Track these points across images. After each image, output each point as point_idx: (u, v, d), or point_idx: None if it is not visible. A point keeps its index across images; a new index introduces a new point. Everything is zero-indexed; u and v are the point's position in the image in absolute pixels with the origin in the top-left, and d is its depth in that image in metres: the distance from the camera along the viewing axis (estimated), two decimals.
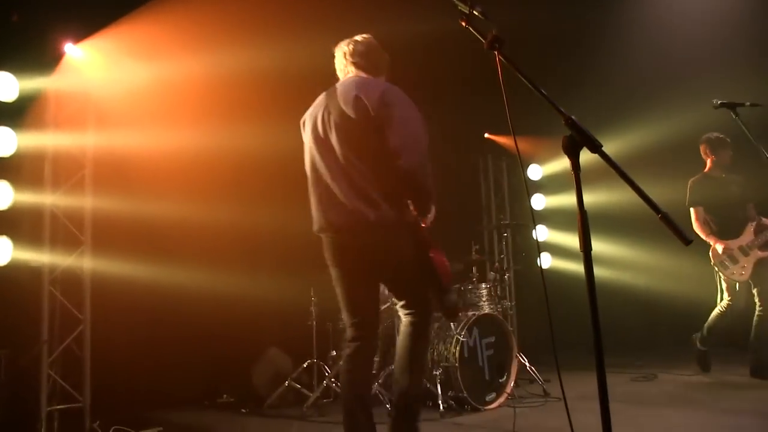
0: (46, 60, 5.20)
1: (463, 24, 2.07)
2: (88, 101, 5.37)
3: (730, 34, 6.74)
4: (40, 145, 5.13)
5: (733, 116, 4.47)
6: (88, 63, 5.31)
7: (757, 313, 5.77)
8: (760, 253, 5.76)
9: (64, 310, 5.18)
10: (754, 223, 5.85)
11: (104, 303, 5.34)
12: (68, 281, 5.23)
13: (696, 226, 5.97)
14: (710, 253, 5.90)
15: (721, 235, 5.85)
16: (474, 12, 2.05)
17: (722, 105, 4.45)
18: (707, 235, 5.90)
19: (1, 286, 4.79)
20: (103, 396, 5.18)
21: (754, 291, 5.79)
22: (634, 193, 1.64)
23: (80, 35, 5.25)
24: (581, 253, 1.65)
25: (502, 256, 7.86)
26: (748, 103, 4.51)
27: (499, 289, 6.27)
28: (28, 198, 5.01)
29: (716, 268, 5.89)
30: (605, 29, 6.88)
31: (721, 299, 5.95)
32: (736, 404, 4.78)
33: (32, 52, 5.13)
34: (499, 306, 6.01)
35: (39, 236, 5.05)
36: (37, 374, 4.86)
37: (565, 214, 8.19)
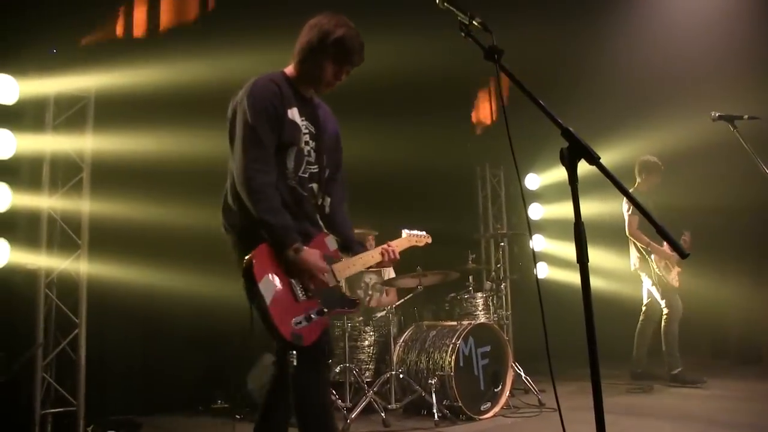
0: (46, 62, 5.20)
1: (463, 34, 2.08)
2: (87, 104, 5.38)
3: (728, 47, 6.79)
4: (39, 148, 5.14)
5: (732, 129, 4.52)
6: (87, 65, 5.31)
7: (663, 321, 6.31)
8: (678, 267, 6.34)
9: (60, 313, 5.17)
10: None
11: (100, 307, 5.33)
12: (64, 284, 5.22)
13: (634, 233, 6.38)
14: (652, 259, 6.23)
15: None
16: (473, 22, 2.06)
17: (720, 118, 4.51)
18: (648, 241, 6.28)
19: None
20: (98, 400, 5.17)
21: (662, 301, 6.30)
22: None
23: (80, 37, 5.26)
24: (578, 264, 1.65)
25: (498, 265, 7.87)
26: (746, 117, 4.56)
27: (495, 298, 6.27)
28: (26, 201, 5.01)
29: (659, 273, 6.26)
30: (604, 42, 6.92)
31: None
32: (733, 417, 4.77)
33: (32, 54, 5.14)
34: (495, 315, 6.01)
35: (36, 239, 5.05)
36: (31, 377, 4.84)
37: (563, 224, 8.20)
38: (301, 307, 2.56)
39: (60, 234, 5.26)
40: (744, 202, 6.51)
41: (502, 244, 7.63)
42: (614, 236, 7.72)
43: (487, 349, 5.35)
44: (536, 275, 2.69)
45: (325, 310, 2.65)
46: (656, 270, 6.25)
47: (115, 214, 5.32)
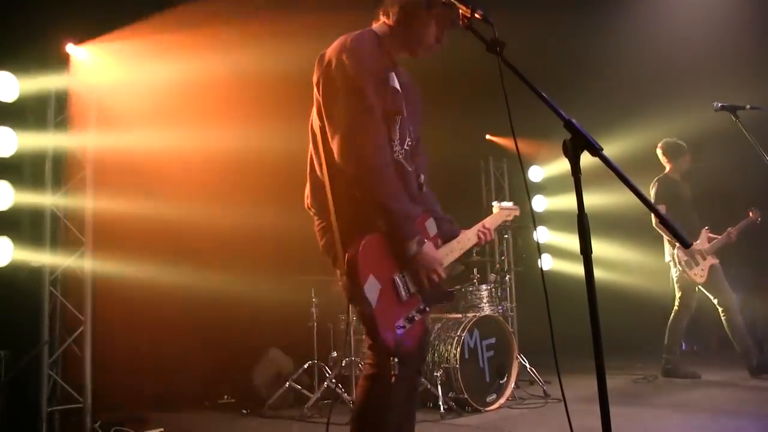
0: (47, 60, 5.20)
1: (464, 26, 2.08)
2: (90, 101, 5.37)
3: (730, 37, 6.76)
4: (41, 146, 5.14)
5: (734, 119, 4.50)
6: (90, 63, 5.31)
7: (723, 319, 5.98)
8: (712, 260, 6.09)
9: (65, 310, 5.18)
10: (707, 230, 6.08)
11: (105, 303, 5.34)
12: (69, 282, 5.23)
13: (659, 224, 6.07)
14: (675, 253, 6.06)
15: None
16: (475, 15, 2.05)
17: (722, 108, 4.49)
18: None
19: (1, 286, 4.78)
20: (104, 396, 5.18)
21: (715, 301, 6.04)
22: (633, 195, 1.65)
23: (82, 35, 5.25)
24: (581, 256, 1.65)
25: (503, 257, 7.86)
26: (748, 106, 4.54)
27: (499, 290, 6.28)
28: (29, 198, 5.01)
29: (680, 268, 6.10)
30: (606, 33, 6.88)
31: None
32: (737, 406, 4.78)
33: (33, 51, 5.13)
34: (499, 307, 6.01)
35: (40, 237, 5.05)
36: (37, 375, 4.86)
37: (566, 216, 8.18)
38: (404, 307, 2.32)
39: (64, 231, 5.27)
40: (748, 192, 6.46)
41: (506, 236, 7.61)
42: (619, 227, 7.73)
43: (492, 341, 5.35)
44: (541, 267, 2.68)
45: (427, 307, 2.42)
46: (677, 263, 6.14)
47: (118, 211, 5.32)
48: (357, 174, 2.23)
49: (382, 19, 2.46)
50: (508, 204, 3.18)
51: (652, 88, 7.44)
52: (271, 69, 5.31)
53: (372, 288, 2.22)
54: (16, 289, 5.02)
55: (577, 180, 1.67)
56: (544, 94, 1.78)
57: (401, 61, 2.56)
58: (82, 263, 5.22)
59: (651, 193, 6.28)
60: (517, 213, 3.20)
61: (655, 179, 6.31)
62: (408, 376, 2.40)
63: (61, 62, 5.22)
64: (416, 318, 2.35)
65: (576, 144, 1.67)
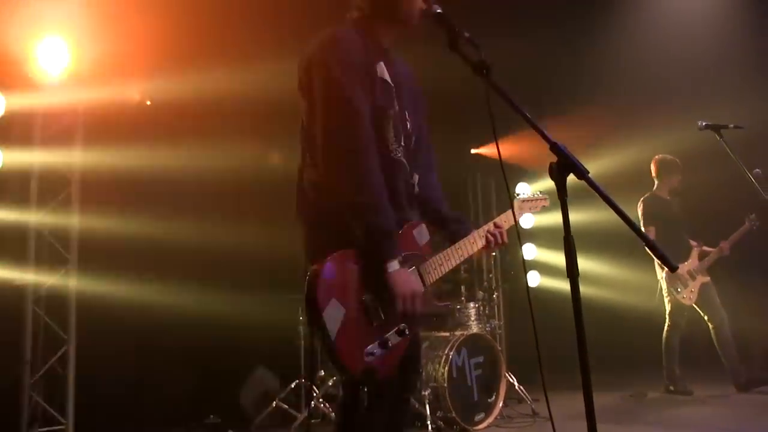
0: (34, 76, 5.17)
1: (451, 48, 2.06)
2: (76, 118, 5.34)
3: (715, 56, 6.84)
4: (27, 162, 5.10)
5: (718, 138, 4.56)
6: (76, 79, 5.29)
7: (713, 335, 5.99)
8: (702, 278, 6.04)
9: (48, 329, 5.11)
10: (698, 249, 6.06)
11: (89, 323, 5.26)
12: (53, 300, 5.16)
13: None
14: (663, 276, 6.04)
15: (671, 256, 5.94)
16: (462, 36, 2.05)
17: (707, 127, 4.56)
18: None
19: None
20: (87, 418, 5.10)
21: (705, 316, 6.00)
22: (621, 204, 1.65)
23: (69, 51, 5.23)
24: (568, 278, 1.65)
25: (490, 275, 7.86)
26: (731, 125, 4.62)
27: (487, 308, 6.25)
28: (14, 216, 4.97)
29: (667, 290, 6.08)
30: (591, 51, 6.94)
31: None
32: (726, 422, 4.78)
33: (19, 67, 5.10)
34: (487, 325, 5.99)
35: (24, 255, 5.00)
36: (18, 396, 4.78)
37: (554, 232, 8.19)
38: (377, 331, 2.06)
39: (48, 249, 5.21)
40: (733, 209, 6.47)
41: (494, 253, 7.62)
42: (610, 242, 7.74)
43: (480, 359, 5.33)
44: (527, 285, 2.59)
45: (408, 330, 2.14)
46: (664, 285, 6.13)
47: (104, 229, 5.28)
48: (336, 178, 2.05)
49: (355, 14, 2.28)
50: (531, 195, 2.81)
51: (638, 106, 7.50)
52: (260, 88, 5.31)
53: (333, 314, 1.98)
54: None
55: (563, 202, 1.67)
56: (530, 117, 1.79)
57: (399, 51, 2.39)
58: (67, 282, 5.16)
59: (638, 214, 6.26)
60: (546, 204, 2.84)
61: (642, 199, 6.30)
62: (388, 406, 2.19)
63: (48, 79, 5.18)
64: (393, 343, 2.08)
65: (562, 167, 1.67)
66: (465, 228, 2.44)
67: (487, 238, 2.44)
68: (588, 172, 1.64)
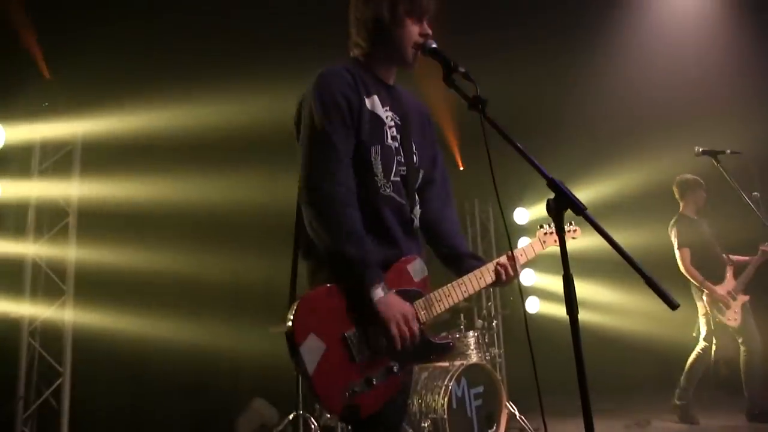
0: (33, 108, 5.20)
1: (446, 83, 2.07)
2: (74, 150, 5.36)
3: (708, 83, 6.87)
4: (25, 194, 5.10)
5: (715, 163, 4.57)
6: (74, 111, 5.31)
7: (742, 356, 5.78)
8: (743, 297, 5.82)
9: (43, 362, 5.06)
10: (731, 268, 5.90)
11: (85, 355, 5.22)
12: (49, 332, 5.13)
13: (688, 269, 5.86)
14: (704, 298, 5.87)
15: (704, 277, 5.83)
16: (457, 71, 2.06)
17: (704, 153, 4.56)
18: (702, 280, 5.80)
19: None
20: None
21: (740, 339, 5.76)
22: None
23: (67, 84, 5.27)
24: (568, 317, 1.62)
25: (489, 303, 7.82)
26: (728, 151, 4.62)
27: (487, 336, 6.20)
28: (11, 247, 4.95)
29: (711, 313, 5.81)
30: (585, 78, 6.98)
31: (700, 342, 5.93)
32: None
33: (20, 99, 5.13)
34: (487, 354, 5.94)
35: (20, 286, 4.97)
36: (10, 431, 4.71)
37: (554, 258, 8.16)
38: (360, 368, 1.99)
39: (45, 280, 5.19)
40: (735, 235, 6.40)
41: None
42: (607, 268, 7.70)
43: (480, 389, 5.27)
44: (525, 312, 2.49)
45: (397, 368, 2.07)
46: (707, 308, 5.95)
47: (101, 261, 5.27)
48: (311, 215, 2.05)
49: (356, 51, 2.31)
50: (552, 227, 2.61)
51: (636, 131, 7.53)
52: (255, 121, 5.34)
53: (311, 349, 1.93)
54: None
55: (561, 239, 1.66)
56: (526, 153, 1.78)
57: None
58: (63, 313, 5.12)
59: (671, 236, 6.04)
60: (576, 236, 2.75)
61: (671, 223, 6.15)
62: None
63: (47, 110, 5.21)
64: (378, 382, 2.01)
65: (559, 203, 1.66)
66: (480, 265, 2.34)
67: (497, 270, 2.33)
68: (585, 208, 1.63)
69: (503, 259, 2.36)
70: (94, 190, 5.34)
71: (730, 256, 5.96)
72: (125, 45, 5.02)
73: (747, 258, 5.90)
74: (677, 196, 6.18)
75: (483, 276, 2.31)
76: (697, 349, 5.95)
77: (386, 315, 1.98)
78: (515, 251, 2.44)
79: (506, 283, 2.36)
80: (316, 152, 2.08)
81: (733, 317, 5.74)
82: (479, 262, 2.36)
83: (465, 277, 2.28)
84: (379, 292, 1.98)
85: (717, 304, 5.77)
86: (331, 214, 2.01)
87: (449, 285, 2.25)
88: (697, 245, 5.92)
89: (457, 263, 2.36)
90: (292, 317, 1.96)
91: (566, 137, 7.28)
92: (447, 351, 2.21)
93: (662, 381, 6.21)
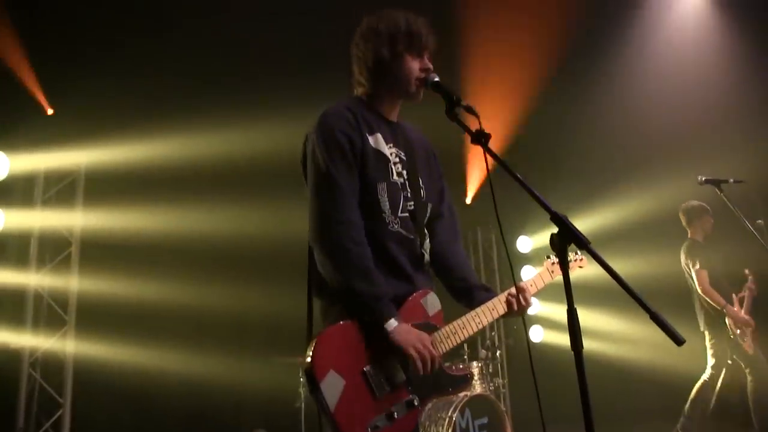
0: (36, 138, 5.23)
1: (449, 117, 2.07)
2: (77, 180, 5.38)
3: (711, 112, 6.89)
4: (27, 223, 5.11)
5: (718, 192, 4.55)
6: (77, 142, 5.34)
7: (750, 385, 5.67)
8: (752, 323, 5.68)
9: (43, 393, 5.02)
10: (737, 295, 5.80)
11: (86, 386, 5.19)
12: (50, 363, 5.11)
13: (707, 291, 5.67)
14: (727, 323, 5.62)
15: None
16: (460, 105, 2.06)
17: (707, 182, 4.53)
18: (724, 303, 5.61)
19: None
20: None
21: (747, 370, 5.59)
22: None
23: (69, 115, 5.31)
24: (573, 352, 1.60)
25: (493, 333, 7.76)
26: (731, 180, 4.59)
27: (491, 366, 6.14)
28: (12, 278, 4.95)
29: (733, 338, 5.61)
30: (587, 106, 7.01)
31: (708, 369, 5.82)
32: None
33: (22, 130, 5.17)
34: (491, 384, 5.88)
35: (21, 317, 4.96)
36: None
37: (556, 287, 8.11)
38: (381, 403, 1.98)
39: (47, 310, 5.17)
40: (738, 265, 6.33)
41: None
42: (610, 296, 7.65)
43: (485, 421, 5.20)
44: (528, 340, 2.45)
45: (418, 400, 2.06)
46: (731, 333, 5.82)
47: (103, 291, 5.25)
48: (321, 255, 2.08)
49: (359, 89, 2.34)
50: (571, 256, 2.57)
51: (636, 162, 7.52)
52: (261, 151, 5.36)
53: (332, 385, 1.94)
54: None
55: (565, 274, 1.65)
56: (530, 187, 1.78)
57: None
58: (64, 344, 5.10)
59: (685, 260, 5.87)
60: (583, 264, 2.71)
61: (684, 246, 6.07)
62: None
63: (51, 140, 5.24)
64: (399, 416, 1.99)
65: (563, 238, 1.65)
66: (491, 296, 2.34)
67: (508, 300, 2.34)
68: (589, 243, 1.62)
69: (514, 289, 2.35)
70: (97, 220, 5.34)
71: (746, 287, 5.87)
72: (127, 75, 5.07)
73: (746, 293, 5.81)
74: (684, 223, 6.10)
75: (495, 307, 2.32)
76: (704, 377, 5.84)
77: (404, 342, 1.98)
78: (525, 282, 2.47)
79: (518, 313, 2.35)
80: (323, 193, 2.11)
81: (750, 344, 5.62)
82: (490, 293, 2.36)
83: (478, 309, 2.28)
84: (393, 323, 1.99)
85: (739, 328, 5.63)
86: (340, 254, 2.04)
87: (463, 317, 2.25)
88: (709, 270, 5.84)
89: (469, 296, 2.35)
90: (311, 354, 1.95)
91: (568, 166, 7.29)
92: (465, 382, 2.21)
93: (668, 411, 6.11)
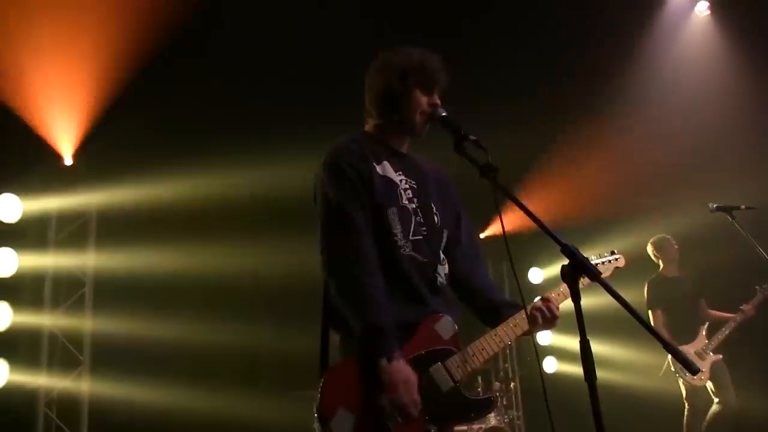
0: (49, 181, 5.31)
1: (457, 151, 2.08)
2: (89, 221, 5.44)
3: (721, 138, 6.86)
4: (41, 265, 5.16)
5: (730, 219, 4.55)
6: (89, 183, 5.42)
7: (713, 407, 5.65)
8: (713, 357, 5.69)
9: None
10: (705, 326, 5.80)
11: (102, 426, 5.17)
12: (65, 403, 5.11)
13: (656, 331, 5.76)
14: (669, 360, 5.78)
15: (676, 337, 5.70)
16: (468, 139, 2.08)
17: (718, 209, 4.54)
18: (667, 342, 5.68)
19: None
20: None
21: (716, 399, 5.65)
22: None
23: (81, 157, 5.39)
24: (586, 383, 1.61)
25: (506, 364, 7.70)
26: (743, 206, 4.59)
27: (505, 398, 6.09)
28: (28, 318, 4.98)
29: (677, 374, 5.75)
30: (596, 134, 7.03)
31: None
32: None
33: (35, 172, 5.25)
34: (506, 416, 5.82)
35: (37, 357, 4.98)
36: None
37: (568, 316, 8.02)
38: None
39: (62, 351, 5.19)
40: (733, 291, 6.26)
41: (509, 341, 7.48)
42: (620, 324, 7.57)
43: None
44: (542, 371, 2.36)
45: (434, 429, 2.03)
46: (672, 369, 5.87)
47: (117, 331, 5.27)
48: (335, 289, 2.08)
49: (370, 122, 2.38)
50: (607, 257, 2.51)
51: (650, 187, 7.51)
52: (267, 191, 5.43)
53: (341, 422, 1.91)
54: (10, 413, 4.88)
55: (577, 305, 1.66)
56: (540, 219, 1.81)
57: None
58: (80, 384, 5.11)
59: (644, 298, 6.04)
60: (620, 264, 2.57)
61: (647, 282, 6.16)
62: None
63: (63, 182, 5.32)
64: None
65: (574, 270, 1.67)
66: (515, 313, 2.27)
67: (532, 314, 2.26)
68: (600, 274, 1.65)
69: (538, 302, 2.29)
70: (110, 261, 5.39)
71: (711, 312, 5.89)
72: (139, 118, 5.16)
73: (728, 315, 5.79)
74: (653, 258, 6.18)
75: (518, 324, 2.24)
76: (686, 412, 5.83)
77: (387, 383, 1.93)
78: (552, 293, 2.39)
79: (546, 326, 2.30)
80: (333, 226, 2.14)
81: (699, 376, 5.61)
82: (515, 309, 2.29)
83: (498, 327, 2.23)
84: (384, 362, 1.94)
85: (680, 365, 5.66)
86: (351, 286, 2.04)
87: (482, 338, 2.20)
88: (669, 305, 5.88)
89: (495, 316, 2.29)
90: (320, 392, 1.95)
91: (578, 192, 7.28)
92: (489, 406, 2.17)
93: None
